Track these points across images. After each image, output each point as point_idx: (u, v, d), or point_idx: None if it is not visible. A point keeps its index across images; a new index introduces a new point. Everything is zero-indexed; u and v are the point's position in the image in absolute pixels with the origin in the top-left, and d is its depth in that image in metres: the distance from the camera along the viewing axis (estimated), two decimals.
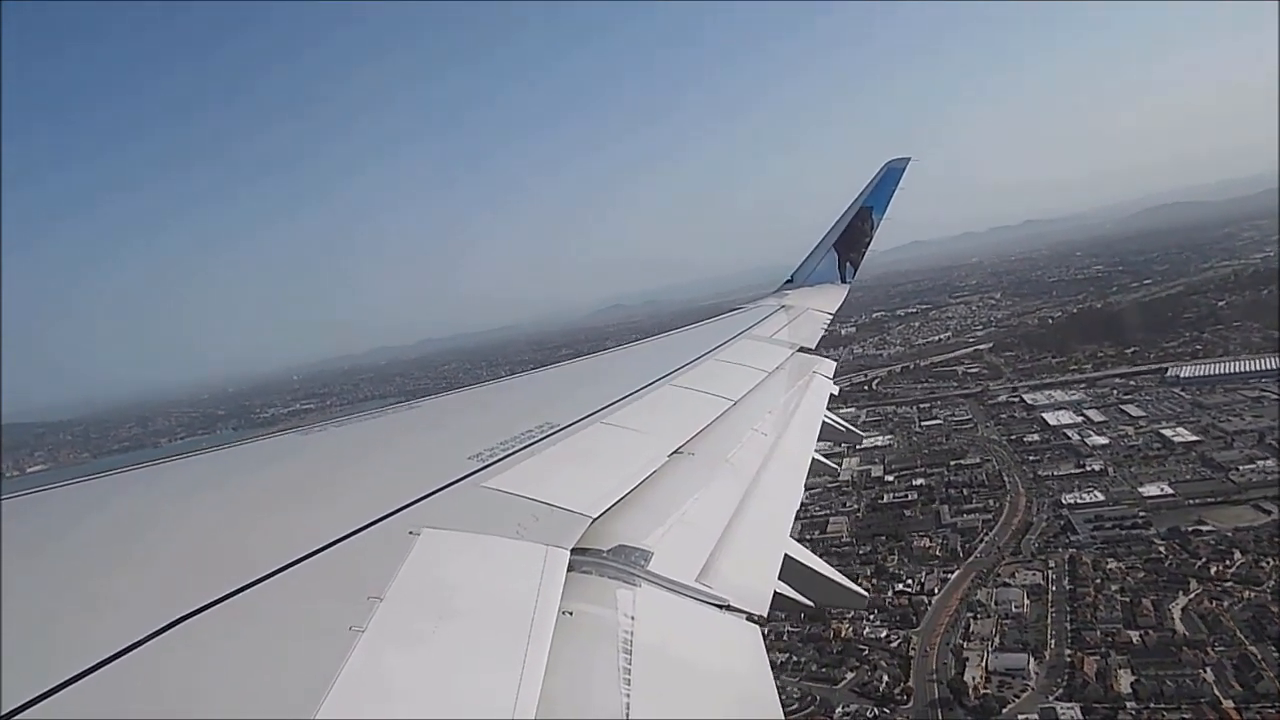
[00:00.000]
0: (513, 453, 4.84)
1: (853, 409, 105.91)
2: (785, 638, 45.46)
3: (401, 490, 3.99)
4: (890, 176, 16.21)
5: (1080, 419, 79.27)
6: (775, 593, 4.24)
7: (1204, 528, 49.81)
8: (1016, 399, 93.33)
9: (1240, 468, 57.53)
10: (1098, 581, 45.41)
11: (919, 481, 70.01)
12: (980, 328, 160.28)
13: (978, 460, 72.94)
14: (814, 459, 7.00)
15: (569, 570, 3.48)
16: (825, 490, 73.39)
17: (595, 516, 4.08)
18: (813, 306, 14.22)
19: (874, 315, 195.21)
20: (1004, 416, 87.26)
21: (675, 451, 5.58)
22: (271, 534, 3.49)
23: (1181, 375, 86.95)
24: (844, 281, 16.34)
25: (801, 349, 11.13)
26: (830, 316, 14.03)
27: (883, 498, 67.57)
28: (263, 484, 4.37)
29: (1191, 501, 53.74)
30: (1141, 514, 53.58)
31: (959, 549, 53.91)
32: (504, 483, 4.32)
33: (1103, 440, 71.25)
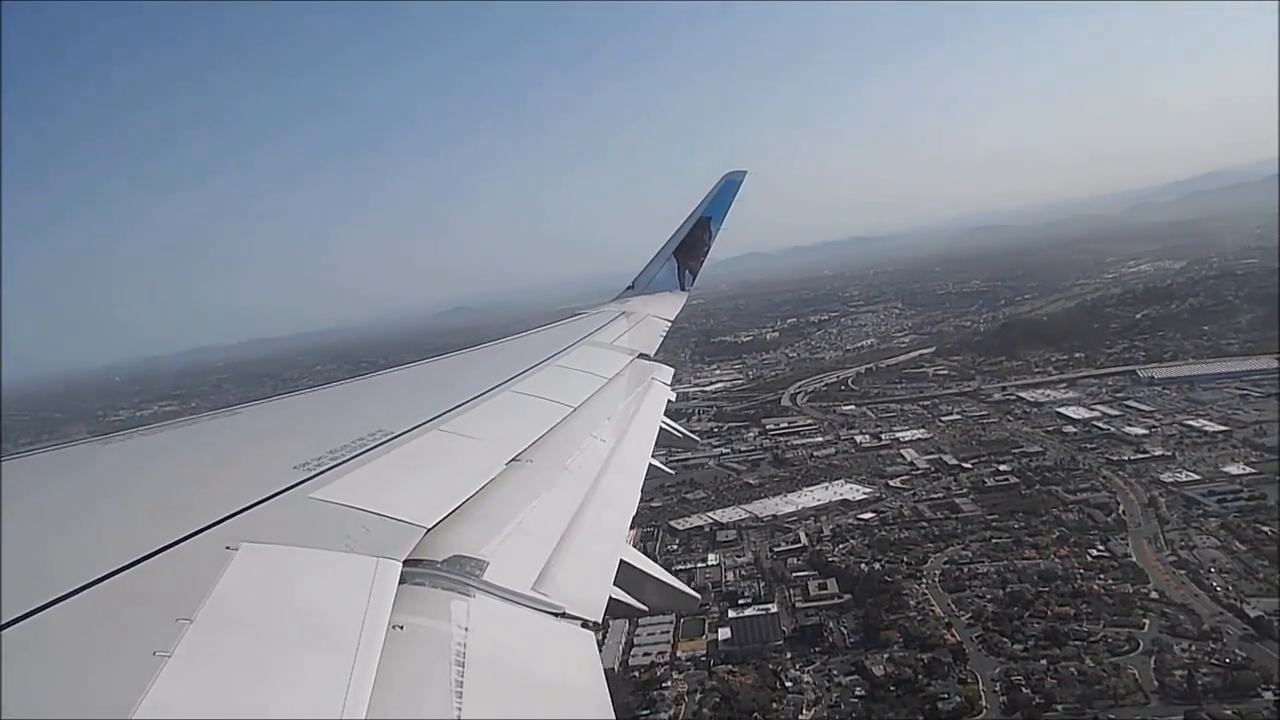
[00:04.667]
0: (342, 462, 4.70)
1: (852, 406, 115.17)
2: (1042, 599, 51.74)
3: (218, 502, 3.80)
4: (729, 188, 16.86)
5: (1096, 413, 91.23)
6: (611, 598, 4.34)
7: None
8: (1014, 397, 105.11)
9: None
10: (1271, 543, 54.61)
11: (1003, 467, 78.73)
12: (902, 334, 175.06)
13: (1040, 449, 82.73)
14: (651, 463, 7.20)
15: (401, 583, 3.43)
16: (913, 476, 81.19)
17: (429, 527, 4.03)
18: (653, 313, 14.54)
19: (788, 321, 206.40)
20: (1018, 412, 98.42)
21: (514, 459, 5.58)
22: (67, 551, 3.24)
23: (1156, 377, 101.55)
24: (683, 289, 16.75)
25: (641, 355, 11.36)
26: (669, 323, 14.47)
27: (985, 482, 75.51)
28: (59, 496, 4.08)
29: None
30: (1243, 488, 64.17)
31: (1111, 520, 62.45)
32: (332, 493, 4.19)
33: (1139, 430, 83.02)
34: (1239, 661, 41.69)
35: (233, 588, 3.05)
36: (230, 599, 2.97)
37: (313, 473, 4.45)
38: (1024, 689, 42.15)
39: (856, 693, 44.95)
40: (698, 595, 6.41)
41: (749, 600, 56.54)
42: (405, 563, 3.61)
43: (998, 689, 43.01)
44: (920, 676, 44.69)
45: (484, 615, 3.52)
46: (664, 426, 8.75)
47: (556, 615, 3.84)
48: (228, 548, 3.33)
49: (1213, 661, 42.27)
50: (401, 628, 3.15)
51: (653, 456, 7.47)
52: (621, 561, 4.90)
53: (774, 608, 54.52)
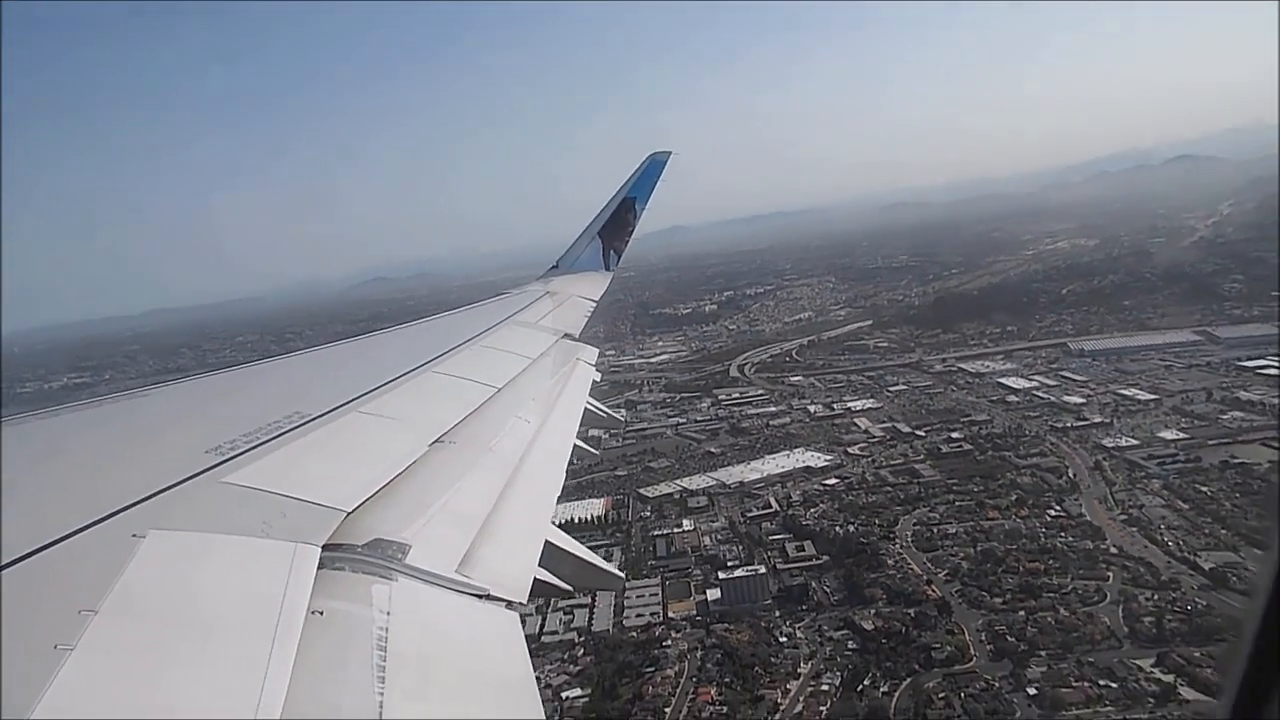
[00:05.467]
0: (258, 445, 4.60)
1: (799, 377, 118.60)
2: (1012, 555, 55.20)
3: (124, 488, 3.66)
4: (653, 168, 16.92)
5: (1035, 383, 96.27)
6: (536, 579, 4.45)
7: (1236, 460, 65.51)
8: (955, 368, 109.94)
9: (1220, 418, 75.57)
10: (1211, 502, 59.17)
11: (955, 434, 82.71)
12: (837, 307, 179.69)
13: (986, 417, 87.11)
14: (576, 444, 7.17)
15: (320, 568, 3.38)
16: (870, 444, 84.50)
17: (350, 510, 3.99)
18: (578, 293, 14.50)
19: (725, 295, 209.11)
20: (961, 382, 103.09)
21: (436, 441, 5.53)
22: None
23: (1085, 349, 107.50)
24: (608, 269, 16.76)
25: (566, 336, 11.38)
26: (594, 303, 14.41)
27: (940, 449, 79.24)
28: None
29: (1210, 442, 70.06)
30: (1179, 452, 69.14)
31: (1063, 483, 66.59)
32: (247, 477, 4.10)
33: (1077, 399, 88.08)
34: (1201, 609, 45.54)
35: (140, 576, 2.95)
36: (137, 588, 2.88)
37: (226, 456, 4.34)
38: (1008, 637, 45.25)
39: (849, 646, 47.44)
40: (621, 574, 6.83)
41: (737, 562, 58.62)
42: (325, 547, 3.58)
43: (983, 638, 46.05)
44: (910, 629, 47.41)
45: (406, 599, 3.51)
46: (589, 407, 8.89)
47: (480, 597, 3.86)
48: (134, 535, 3.23)
49: (1175, 609, 46.10)
50: (321, 613, 3.10)
51: (579, 437, 7.53)
52: (546, 543, 4.96)
53: (762, 569, 56.70)
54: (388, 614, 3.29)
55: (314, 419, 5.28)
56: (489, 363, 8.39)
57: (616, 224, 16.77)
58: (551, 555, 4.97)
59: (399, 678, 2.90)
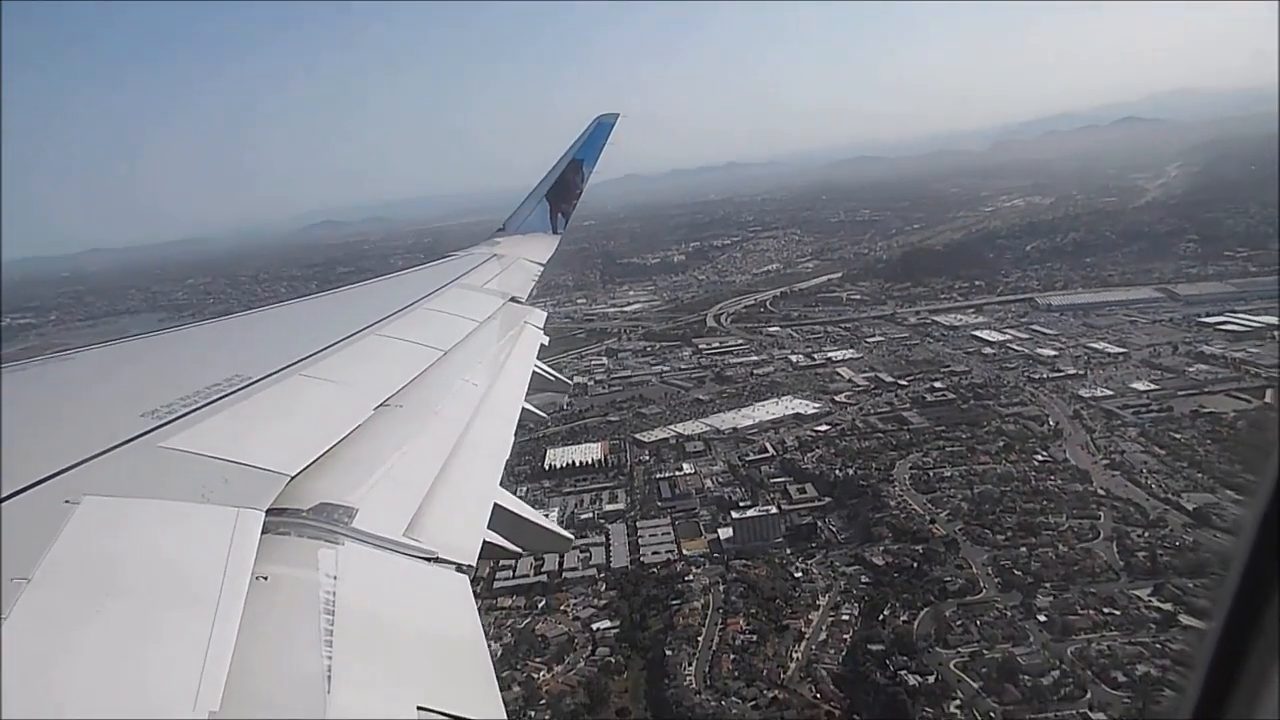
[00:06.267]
0: (197, 408, 4.48)
1: (776, 328, 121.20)
2: (1007, 497, 58.49)
3: (56, 453, 3.55)
4: (600, 130, 16.89)
5: (1008, 336, 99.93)
6: (485, 541, 4.46)
7: (1205, 409, 69.80)
8: (929, 321, 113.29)
9: (1186, 370, 79.92)
10: (1185, 448, 63.20)
11: (937, 384, 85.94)
12: (804, 259, 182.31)
13: (965, 368, 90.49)
14: (524, 408, 7.27)
15: (265, 533, 3.32)
16: (856, 393, 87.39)
17: (294, 475, 3.93)
18: (525, 256, 14.47)
19: (692, 246, 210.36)
20: (936, 334, 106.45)
21: (382, 404, 5.52)
22: None
23: (1052, 304, 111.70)
24: (555, 232, 16.71)
25: (513, 299, 11.36)
26: (541, 266, 14.46)
27: (924, 397, 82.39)
28: None
29: (1180, 393, 74.29)
30: (1151, 402, 73.23)
31: (1046, 430, 70.16)
32: (186, 442, 3.98)
33: (1050, 351, 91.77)
34: (1189, 545, 49.20)
35: (74, 543, 2.89)
36: (72, 555, 2.82)
37: (163, 420, 4.23)
38: (1014, 571, 48.42)
39: (863, 580, 50.26)
40: (570, 536, 6.91)
41: (749, 503, 61.10)
42: (269, 512, 3.52)
43: (990, 572, 49.17)
44: (920, 564, 50.37)
45: (353, 563, 3.49)
46: (536, 371, 8.95)
47: (429, 560, 3.86)
48: (68, 501, 3.14)
49: (1165, 545, 49.72)
50: (266, 579, 3.07)
51: (527, 400, 7.61)
52: (495, 505, 5.00)
53: (774, 509, 59.19)
54: (334, 578, 3.29)
55: (255, 382, 5.21)
56: (435, 326, 8.37)
57: (564, 186, 16.80)
58: (500, 518, 5.02)
59: (347, 641, 2.91)
